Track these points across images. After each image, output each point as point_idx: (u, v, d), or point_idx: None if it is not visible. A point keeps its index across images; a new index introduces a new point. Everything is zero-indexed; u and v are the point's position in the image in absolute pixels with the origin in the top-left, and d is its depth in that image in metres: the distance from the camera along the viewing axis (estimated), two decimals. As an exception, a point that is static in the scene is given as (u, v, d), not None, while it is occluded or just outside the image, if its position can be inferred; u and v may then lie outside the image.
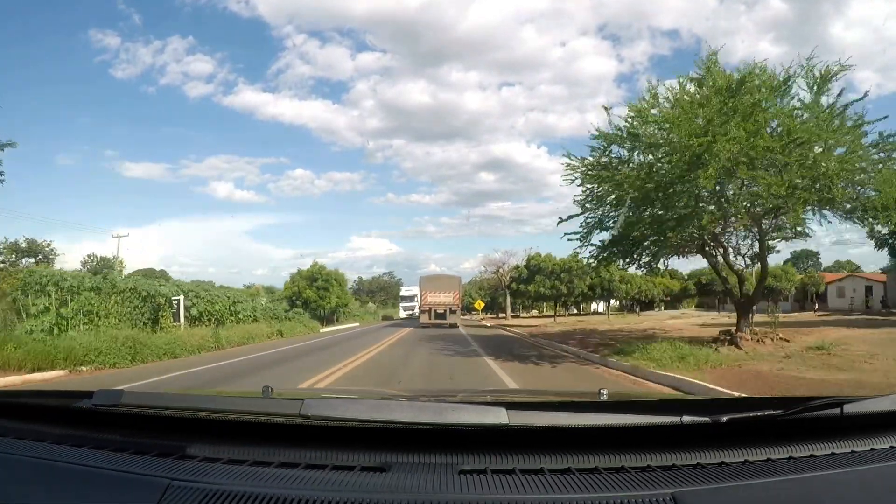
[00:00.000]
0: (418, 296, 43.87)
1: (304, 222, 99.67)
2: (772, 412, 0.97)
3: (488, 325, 29.87)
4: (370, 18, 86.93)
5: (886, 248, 24.31)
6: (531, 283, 27.42)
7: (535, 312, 57.71)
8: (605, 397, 1.35)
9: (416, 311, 47.59)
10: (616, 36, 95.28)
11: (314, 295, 33.56)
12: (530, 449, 0.94)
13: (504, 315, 45.30)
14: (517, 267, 30.17)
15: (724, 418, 0.95)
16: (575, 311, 63.95)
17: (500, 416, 0.93)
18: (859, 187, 7.69)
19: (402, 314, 50.08)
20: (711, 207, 8.04)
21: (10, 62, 57.87)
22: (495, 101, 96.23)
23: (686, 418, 0.95)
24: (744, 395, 3.39)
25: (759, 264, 9.65)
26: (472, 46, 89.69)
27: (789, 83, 7.24)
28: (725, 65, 8.46)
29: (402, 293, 53.49)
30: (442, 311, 30.88)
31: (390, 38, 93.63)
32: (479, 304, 49.57)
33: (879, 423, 1.02)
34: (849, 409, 0.99)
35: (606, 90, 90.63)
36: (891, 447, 0.99)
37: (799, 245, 10.55)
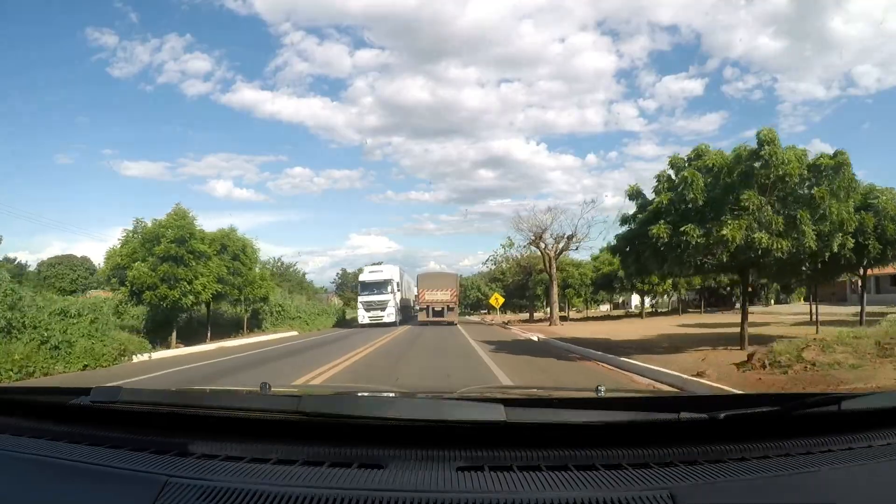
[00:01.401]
0: (395, 283, 33.04)
1: (303, 220, 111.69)
2: (769, 408, 1.02)
3: (534, 338, 18.92)
4: (368, 15, 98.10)
5: None
6: (729, 221, 6.50)
7: (546, 311, 41.79)
8: (602, 394, 1.38)
9: (393, 311, 32.37)
10: (615, 31, 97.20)
11: (149, 276, 17.49)
12: (528, 445, 1.01)
13: (549, 316, 30.87)
14: (661, 182, 8.47)
15: (722, 415, 1.00)
16: (598, 311, 46.57)
17: (497, 413, 0.98)
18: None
19: (365, 317, 32.56)
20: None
21: (7, 61, 59.23)
22: (494, 97, 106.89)
23: (684, 415, 1.00)
24: (742, 392, 3.44)
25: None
26: (471, 42, 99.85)
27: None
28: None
29: (361, 278, 35.51)
30: (440, 309, 32.84)
31: (388, 35, 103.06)
32: (497, 300, 35.69)
33: (877, 420, 1.07)
34: (846, 405, 1.04)
35: (606, 86, 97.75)
36: (888, 443, 1.04)
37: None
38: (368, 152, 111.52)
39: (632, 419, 1.01)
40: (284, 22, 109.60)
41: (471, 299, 68.50)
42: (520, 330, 24.88)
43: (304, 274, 48.55)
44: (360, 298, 33.31)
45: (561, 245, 30.57)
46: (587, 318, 37.59)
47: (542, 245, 30.31)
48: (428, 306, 33.10)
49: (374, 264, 37.75)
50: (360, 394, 1.59)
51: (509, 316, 46.48)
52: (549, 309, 31.63)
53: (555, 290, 29.76)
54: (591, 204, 30.27)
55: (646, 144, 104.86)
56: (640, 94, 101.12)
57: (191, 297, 18.11)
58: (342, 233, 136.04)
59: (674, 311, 40.42)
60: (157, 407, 1.14)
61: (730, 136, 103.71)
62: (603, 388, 1.41)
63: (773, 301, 44.41)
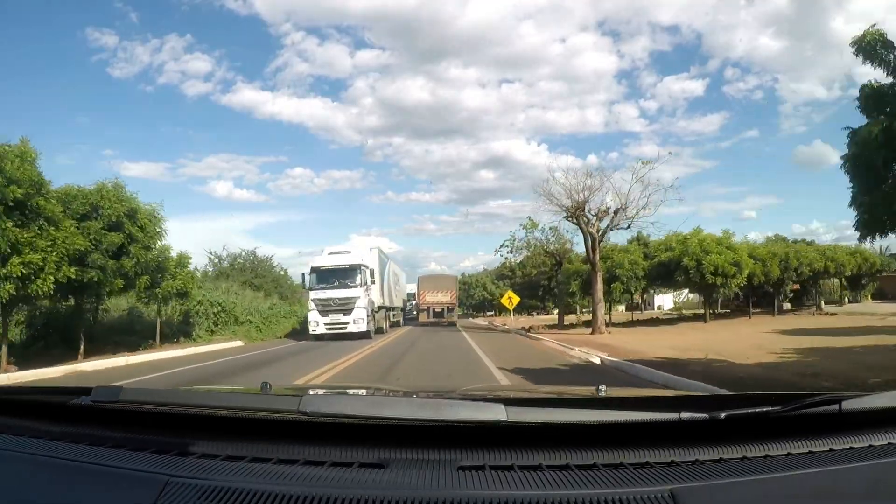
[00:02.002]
0: (370, 273, 22.39)
1: (303, 221, 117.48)
2: (770, 409, 1.05)
3: (595, 360, 11.60)
4: (368, 15, 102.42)
5: None
6: None
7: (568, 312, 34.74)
8: (603, 393, 1.41)
9: (364, 314, 21.41)
10: (616, 32, 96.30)
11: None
12: (529, 445, 1.04)
13: (593, 321, 21.88)
14: None
15: (723, 415, 1.02)
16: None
17: (498, 413, 1.00)
18: None
19: (319, 324, 21.19)
20: None
21: (7, 61, 59.98)
22: (495, 97, 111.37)
23: (685, 415, 1.01)
24: (743, 392, 2.80)
25: None
26: (471, 43, 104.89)
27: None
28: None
29: (315, 262, 23.05)
30: (440, 310, 35.48)
31: (389, 35, 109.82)
32: (511, 300, 26.80)
33: (878, 420, 1.10)
34: (847, 405, 1.06)
35: (606, 86, 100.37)
36: (889, 444, 1.06)
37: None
38: (369, 153, 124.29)
39: (633, 419, 1.04)
40: (285, 22, 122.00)
41: (475, 299, 61.96)
42: (555, 341, 17.75)
43: (284, 270, 41.31)
44: (311, 294, 22.00)
45: (605, 223, 23.53)
46: (633, 322, 31.70)
47: (584, 221, 21.80)
48: (429, 307, 36.45)
49: (333, 248, 24.25)
50: (361, 394, 1.65)
51: (524, 319, 39.91)
52: (566, 309, 26.84)
53: (599, 284, 22.13)
54: (648, 166, 21.58)
55: (647, 145, 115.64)
56: (640, 95, 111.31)
57: (8, 285, 10.97)
58: (343, 233, 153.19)
59: (737, 313, 33.76)
60: (158, 407, 1.18)
61: (731, 137, 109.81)
62: (604, 388, 1.46)
63: (846, 300, 37.53)
